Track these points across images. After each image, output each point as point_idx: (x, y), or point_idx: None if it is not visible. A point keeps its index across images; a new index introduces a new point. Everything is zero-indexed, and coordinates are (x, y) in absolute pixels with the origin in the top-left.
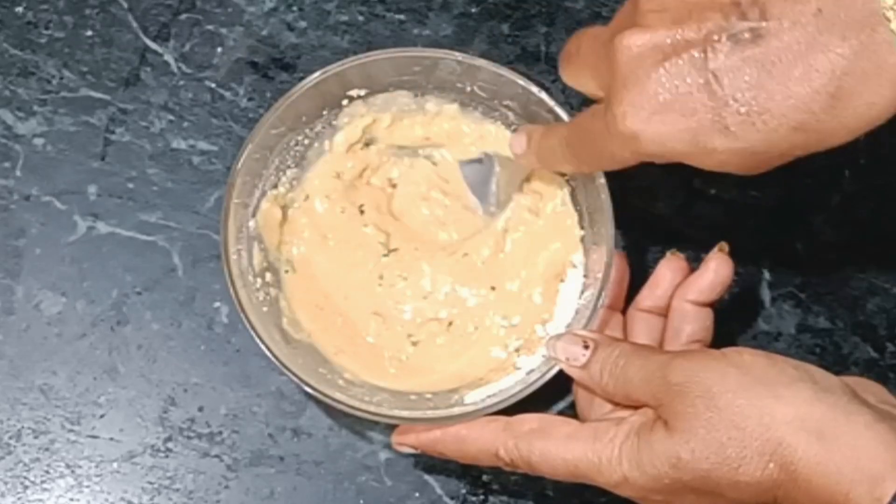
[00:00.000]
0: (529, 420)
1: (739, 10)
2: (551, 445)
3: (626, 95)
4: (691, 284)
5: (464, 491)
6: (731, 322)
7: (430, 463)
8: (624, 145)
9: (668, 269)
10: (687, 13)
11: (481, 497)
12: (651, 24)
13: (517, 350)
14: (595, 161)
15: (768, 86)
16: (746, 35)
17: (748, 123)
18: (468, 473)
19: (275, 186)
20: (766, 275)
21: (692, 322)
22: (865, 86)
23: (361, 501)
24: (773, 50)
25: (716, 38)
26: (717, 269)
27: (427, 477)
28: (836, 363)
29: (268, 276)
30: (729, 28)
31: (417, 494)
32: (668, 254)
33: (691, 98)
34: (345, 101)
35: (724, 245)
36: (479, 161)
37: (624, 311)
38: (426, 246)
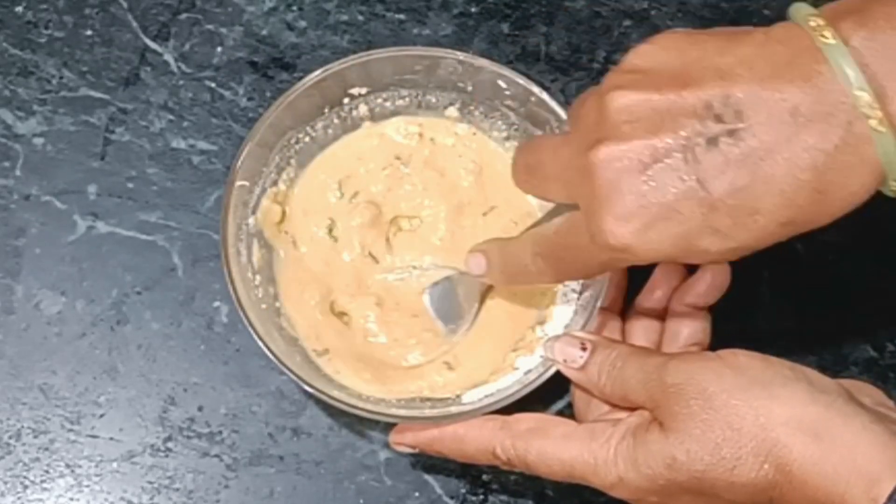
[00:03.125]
0: (527, 419)
1: (713, 114)
2: (548, 445)
3: (611, 210)
4: (689, 287)
5: (463, 490)
6: (731, 322)
7: (429, 462)
8: (614, 257)
9: (666, 272)
10: (660, 121)
11: (481, 496)
12: (626, 134)
13: (515, 350)
14: (579, 273)
15: (755, 187)
16: (724, 138)
17: (739, 225)
18: (468, 473)
19: (275, 184)
20: (766, 275)
21: (690, 325)
22: (847, 177)
23: (361, 501)
24: (753, 150)
25: (695, 143)
26: (714, 273)
27: (427, 476)
28: (836, 363)
29: (267, 273)
30: (706, 132)
31: (417, 494)
32: None
33: (679, 205)
34: (346, 100)
35: None
36: (439, 284)
37: (622, 314)
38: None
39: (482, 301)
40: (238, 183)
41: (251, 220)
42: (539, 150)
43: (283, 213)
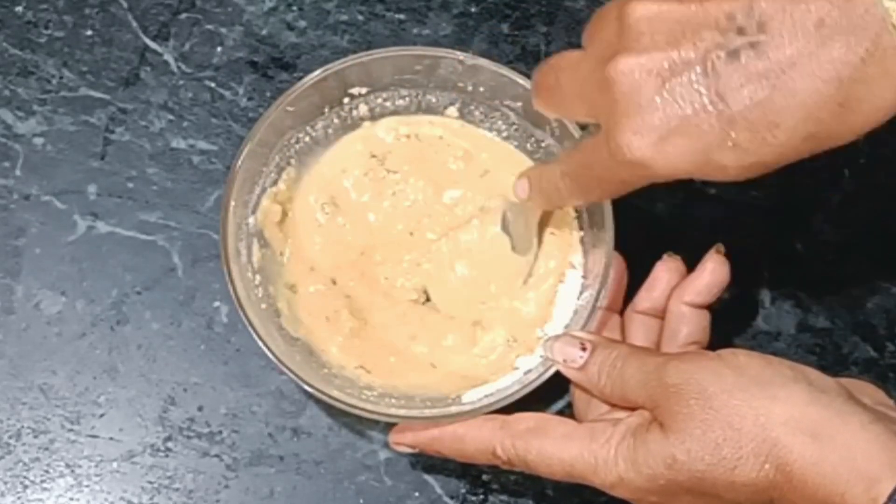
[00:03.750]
0: (527, 419)
1: (736, 25)
2: (548, 445)
3: (629, 123)
4: (688, 286)
5: (463, 490)
6: (731, 322)
7: (429, 462)
8: (633, 172)
9: (665, 270)
10: (681, 33)
11: (481, 496)
12: (645, 47)
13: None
14: (603, 191)
15: (776, 100)
16: (746, 50)
17: (758, 139)
18: (468, 473)
19: (275, 184)
20: (766, 275)
21: (689, 324)
22: (872, 91)
23: (361, 501)
24: (775, 63)
25: (715, 55)
26: (713, 271)
27: (427, 476)
28: (836, 363)
29: (267, 273)
30: (727, 44)
31: (417, 494)
32: (665, 255)
33: (698, 119)
34: (346, 100)
35: (721, 247)
36: (508, 212)
37: (622, 313)
38: (423, 242)
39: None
40: (238, 180)
41: (251, 220)
42: (557, 67)
43: (284, 213)
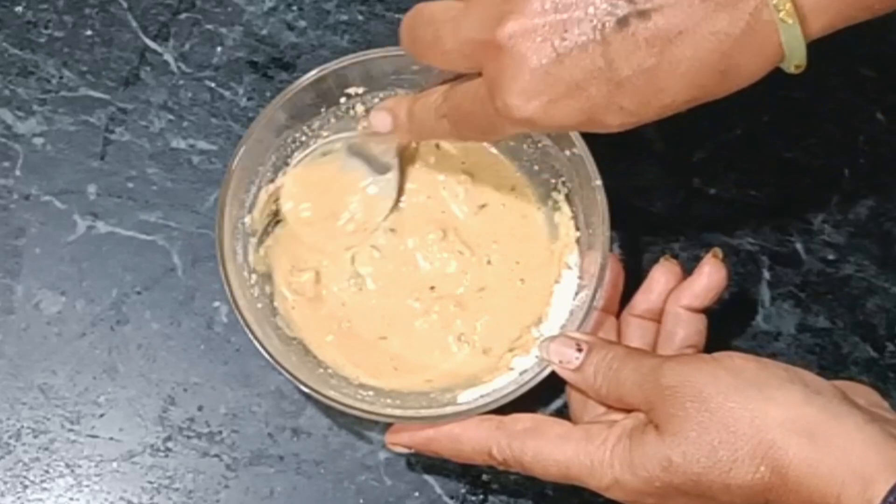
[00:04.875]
0: (523, 420)
1: None
2: (544, 446)
3: (516, 85)
4: (685, 289)
5: (463, 490)
6: (731, 322)
7: (429, 462)
8: (516, 127)
9: (662, 273)
10: None
11: (481, 496)
12: (535, 11)
13: (511, 350)
14: (480, 136)
15: (662, 66)
16: (634, 19)
17: (643, 103)
18: (468, 473)
19: (271, 182)
20: (766, 275)
21: (686, 327)
22: (749, 60)
23: (361, 501)
24: (662, 32)
25: (605, 22)
26: (710, 274)
27: (426, 476)
28: (836, 363)
29: (263, 272)
30: (616, 12)
31: (417, 494)
32: (662, 259)
33: (585, 83)
34: (343, 99)
35: (718, 251)
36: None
37: (618, 315)
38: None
39: (402, 160)
40: (235, 179)
41: (247, 219)
42: (434, 21)
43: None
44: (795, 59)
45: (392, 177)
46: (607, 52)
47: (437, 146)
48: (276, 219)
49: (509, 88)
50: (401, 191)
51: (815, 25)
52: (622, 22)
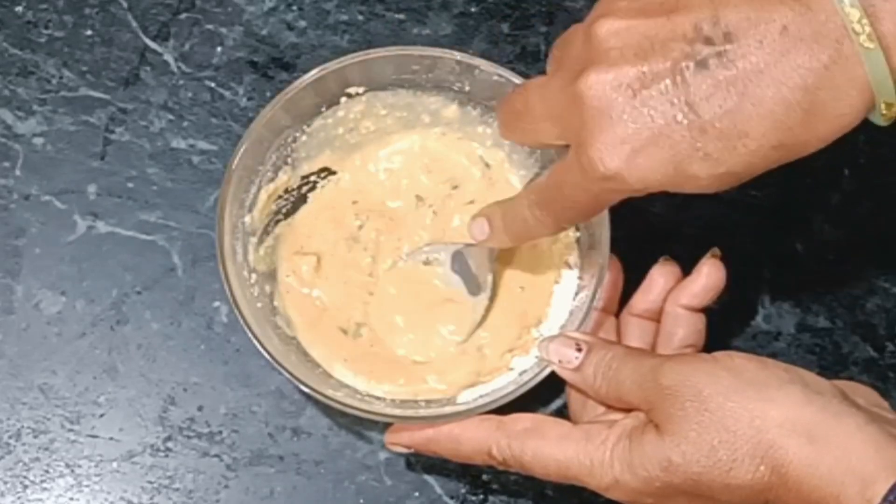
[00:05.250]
0: (523, 420)
1: (703, 36)
2: (544, 446)
3: (601, 137)
4: (684, 289)
5: (463, 490)
6: (731, 322)
7: (429, 462)
8: (606, 187)
9: (661, 273)
10: (650, 46)
11: (481, 496)
12: (615, 61)
13: (511, 350)
14: (575, 213)
15: (744, 108)
16: (714, 60)
17: (729, 148)
18: (468, 473)
19: (271, 182)
20: (766, 274)
21: (685, 326)
22: (836, 98)
23: (361, 501)
24: (742, 72)
25: (684, 66)
26: (709, 274)
27: (427, 476)
28: (836, 363)
29: (263, 272)
30: (695, 55)
31: (417, 494)
32: (661, 259)
33: (668, 129)
34: (343, 99)
35: (717, 251)
36: (453, 258)
37: (617, 315)
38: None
39: (494, 270)
40: (235, 179)
41: (247, 219)
42: (525, 92)
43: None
44: (884, 94)
45: (483, 298)
46: (688, 96)
47: None
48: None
49: (594, 140)
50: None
51: None
52: (701, 64)
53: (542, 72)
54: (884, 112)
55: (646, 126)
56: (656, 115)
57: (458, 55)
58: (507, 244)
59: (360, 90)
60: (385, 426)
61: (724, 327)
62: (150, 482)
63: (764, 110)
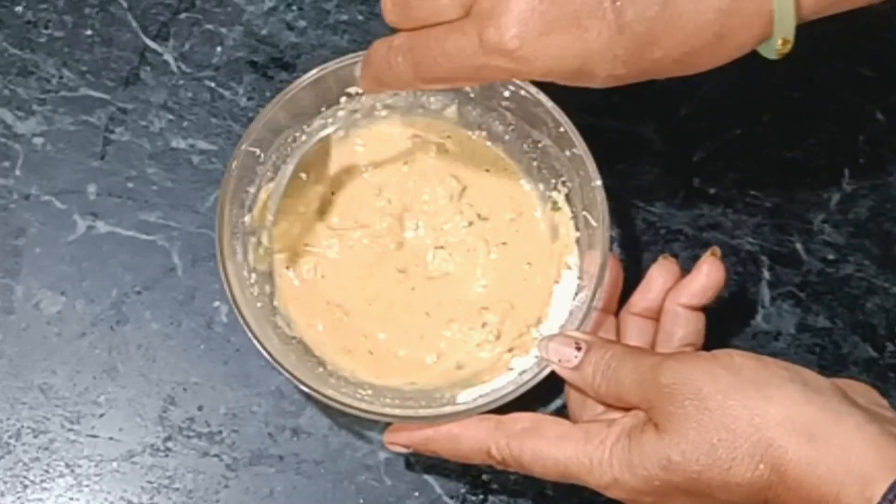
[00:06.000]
0: (522, 419)
1: None
2: (543, 445)
3: (515, 9)
4: (683, 288)
5: (463, 490)
6: (731, 321)
7: (429, 462)
8: (498, 63)
9: (660, 272)
10: None
11: (481, 496)
12: None
13: (510, 350)
14: (443, 76)
15: (663, 18)
16: None
17: (637, 54)
18: (468, 473)
19: (271, 182)
20: (766, 274)
21: (684, 325)
22: (743, 26)
23: (361, 501)
24: None
25: None
26: (709, 273)
27: (427, 476)
28: (836, 363)
29: (262, 272)
30: None
31: (417, 494)
32: (661, 258)
33: (588, 21)
34: (343, 99)
35: (717, 249)
36: None
37: (617, 314)
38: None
39: None
40: (234, 178)
41: (247, 219)
42: None
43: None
44: (783, 32)
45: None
46: None
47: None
48: None
49: (507, 14)
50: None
51: (807, 4)
52: None
53: None
54: (778, 47)
55: (568, 11)
56: (582, 2)
57: None
58: (371, 88)
59: (360, 90)
60: (385, 426)
61: (724, 327)
62: (150, 482)
63: (679, 24)
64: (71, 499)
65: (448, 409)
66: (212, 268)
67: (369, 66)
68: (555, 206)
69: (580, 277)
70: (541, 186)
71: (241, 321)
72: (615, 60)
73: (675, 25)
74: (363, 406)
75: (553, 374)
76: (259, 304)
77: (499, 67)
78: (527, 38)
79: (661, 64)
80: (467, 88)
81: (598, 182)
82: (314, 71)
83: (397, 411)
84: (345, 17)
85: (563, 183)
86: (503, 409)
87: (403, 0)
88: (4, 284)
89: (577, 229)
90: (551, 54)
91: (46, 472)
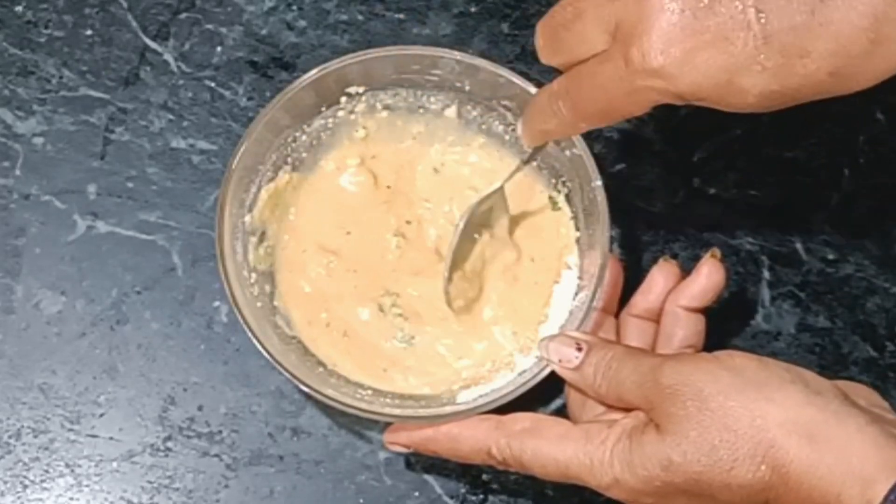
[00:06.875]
0: (522, 419)
1: None
2: (543, 445)
3: (659, 26)
4: (683, 290)
5: (463, 490)
6: (731, 321)
7: (429, 462)
8: (648, 84)
9: (661, 274)
10: None
11: (481, 496)
12: None
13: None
14: (601, 109)
15: (812, 26)
16: None
17: (787, 65)
18: (468, 473)
19: (271, 182)
20: (766, 274)
21: (684, 327)
22: None
23: (361, 500)
24: None
25: None
26: (709, 275)
27: (426, 476)
28: (836, 362)
29: (263, 272)
30: None
31: (417, 493)
32: (661, 260)
33: (733, 34)
34: (343, 99)
35: (717, 251)
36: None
37: (617, 315)
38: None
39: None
40: (235, 178)
41: (247, 218)
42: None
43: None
44: None
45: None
46: (759, 3)
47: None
48: None
49: (649, 32)
50: None
51: None
52: None
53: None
54: None
55: (710, 25)
56: (721, 14)
57: (458, 55)
58: (533, 141)
59: (360, 90)
60: (385, 426)
61: (724, 327)
62: (150, 482)
63: (830, 32)
64: (71, 499)
65: (448, 409)
66: (212, 267)
67: (534, 119)
68: (555, 206)
69: (580, 277)
70: (541, 186)
71: (241, 321)
72: (764, 73)
73: (827, 32)
74: (363, 406)
75: (553, 374)
76: (259, 304)
77: (648, 87)
78: (671, 53)
79: (816, 77)
80: (466, 87)
81: (598, 182)
82: (314, 71)
83: (397, 411)
84: (345, 17)
85: (563, 183)
86: (503, 409)
87: (552, 34)
88: (4, 284)
89: (577, 229)
90: (698, 68)
91: (46, 472)
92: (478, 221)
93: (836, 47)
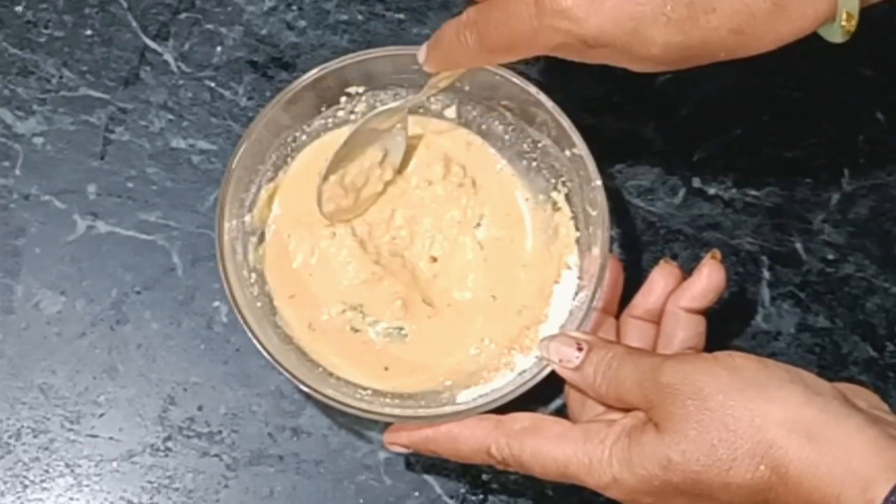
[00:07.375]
0: (521, 419)
1: None
2: (542, 444)
3: None
4: (684, 291)
5: (463, 490)
6: (731, 321)
7: (429, 462)
8: (554, 24)
9: (661, 276)
10: None
11: (481, 496)
12: None
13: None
14: (507, 43)
15: None
16: None
17: (693, 19)
18: (468, 473)
19: (271, 182)
20: (766, 274)
21: (685, 328)
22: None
23: (361, 500)
24: None
25: None
26: (709, 276)
27: (426, 476)
28: (836, 362)
29: (262, 272)
30: None
31: (417, 493)
32: (662, 261)
33: None
34: (343, 99)
35: (717, 252)
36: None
37: (618, 316)
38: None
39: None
40: (235, 178)
41: (247, 218)
42: None
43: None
44: (848, 4)
45: (401, 139)
46: None
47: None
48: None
49: None
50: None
51: None
52: None
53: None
54: (843, 24)
55: None
56: None
57: None
58: (437, 67)
59: (360, 90)
60: (385, 426)
61: (724, 327)
62: (150, 482)
63: None
64: (71, 499)
65: (448, 409)
66: (212, 267)
67: (439, 45)
68: (555, 206)
69: (580, 277)
70: (540, 186)
71: (241, 321)
72: (669, 24)
73: None
74: (363, 406)
75: (553, 374)
76: (259, 304)
77: (554, 27)
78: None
79: (719, 34)
80: (466, 87)
81: (598, 182)
82: (314, 71)
83: (397, 411)
84: (345, 17)
85: (563, 183)
86: (503, 409)
87: None
88: (4, 284)
89: (577, 229)
90: (605, 14)
91: (46, 472)
92: (376, 139)
93: (740, 6)
